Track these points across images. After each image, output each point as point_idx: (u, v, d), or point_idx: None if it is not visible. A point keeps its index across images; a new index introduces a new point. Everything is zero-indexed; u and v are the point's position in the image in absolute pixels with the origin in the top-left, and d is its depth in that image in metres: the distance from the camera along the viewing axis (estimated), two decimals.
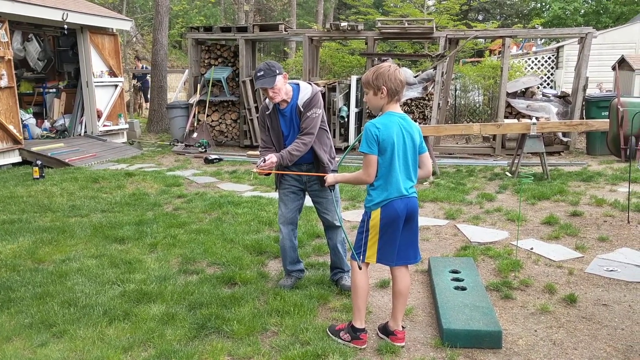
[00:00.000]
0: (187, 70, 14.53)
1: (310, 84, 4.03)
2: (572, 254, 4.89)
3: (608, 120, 8.86)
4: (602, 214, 6.10)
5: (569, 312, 3.74)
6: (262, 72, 3.81)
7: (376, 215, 3.16)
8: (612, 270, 4.45)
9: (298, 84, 4.00)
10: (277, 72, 3.81)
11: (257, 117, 3.78)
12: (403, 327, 3.38)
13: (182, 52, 28.10)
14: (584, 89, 10.81)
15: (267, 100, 4.00)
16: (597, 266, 4.56)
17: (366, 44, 11.73)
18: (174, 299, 3.93)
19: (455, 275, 4.08)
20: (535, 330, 3.49)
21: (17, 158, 9.83)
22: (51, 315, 3.65)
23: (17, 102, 9.83)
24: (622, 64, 11.34)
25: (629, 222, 5.75)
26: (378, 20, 12.01)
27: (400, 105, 10.97)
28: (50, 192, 7.51)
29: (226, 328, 3.46)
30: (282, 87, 3.86)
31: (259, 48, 30.64)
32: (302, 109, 3.89)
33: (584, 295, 4.01)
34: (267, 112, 4.02)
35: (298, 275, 4.29)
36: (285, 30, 11.92)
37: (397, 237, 3.20)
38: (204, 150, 11.27)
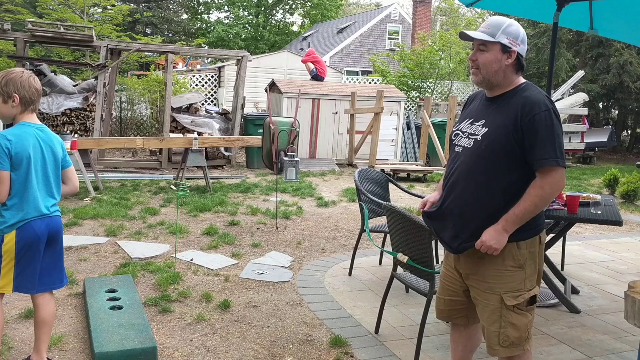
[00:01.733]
0: None
1: None
2: (228, 261, 5.18)
3: (261, 136, 9.80)
4: (256, 222, 6.66)
5: (223, 317, 3.94)
6: None
7: (11, 238, 2.79)
8: (262, 273, 4.87)
9: None
10: None
11: None
12: (49, 359, 3.06)
13: None
14: (242, 108, 11.73)
15: None
16: (250, 271, 4.94)
17: (15, 45, 10.50)
18: None
19: (112, 295, 3.90)
20: (191, 340, 3.56)
21: None
22: None
23: None
24: (273, 86, 12.67)
25: (277, 228, 6.41)
26: (28, 21, 10.87)
27: (59, 116, 10.20)
28: None
29: None
30: None
31: None
32: None
33: (237, 299, 4.28)
34: None
35: None
36: None
37: (38, 261, 2.88)
38: None
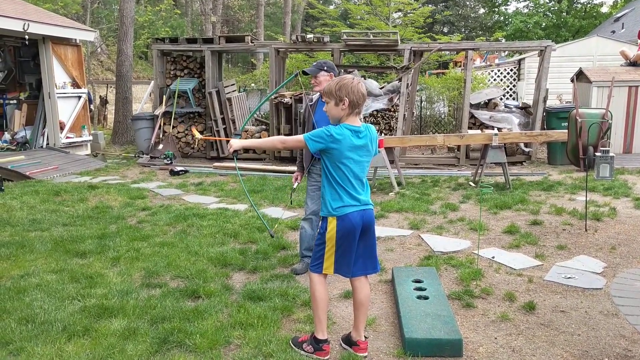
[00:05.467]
0: (152, 82, 14.41)
1: None
2: (532, 262, 4.99)
3: (567, 130, 9.15)
4: (561, 223, 6.25)
5: (528, 319, 3.82)
6: (314, 64, 4.52)
7: (332, 227, 3.17)
8: (569, 278, 4.57)
9: None
10: (325, 69, 4.49)
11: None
12: (365, 337, 3.40)
13: (148, 63, 27.85)
14: (544, 101, 11.10)
15: (314, 96, 4.67)
16: (556, 274, 4.67)
17: (332, 55, 11.83)
18: (135, 313, 3.88)
19: (418, 285, 4.13)
20: (496, 338, 3.55)
21: None
22: (8, 333, 3.56)
23: None
24: (580, 76, 11.68)
25: (586, 230, 5.91)
26: (343, 33, 12.13)
27: (367, 117, 11.12)
28: (10, 205, 7.33)
29: (188, 342, 3.43)
30: (324, 82, 4.41)
31: (227, 59, 30.58)
32: None
33: (542, 302, 4.10)
34: (310, 103, 4.66)
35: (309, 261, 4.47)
36: (252, 42, 11.95)
37: (353, 249, 3.21)
38: (169, 162, 11.17)
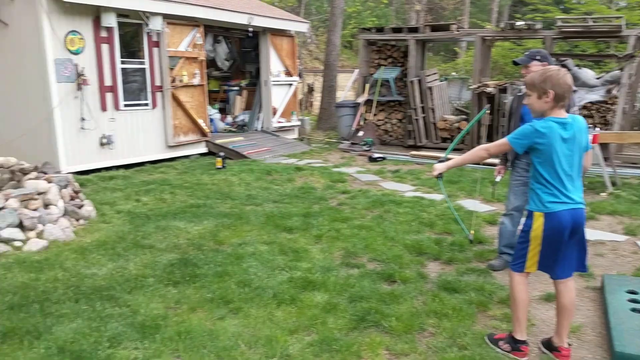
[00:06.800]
0: (356, 70, 14.93)
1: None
2: None
3: None
4: None
5: None
6: (526, 54, 4.37)
7: (539, 225, 3.03)
8: None
9: None
10: (538, 58, 4.27)
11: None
12: (569, 345, 3.22)
13: (352, 52, 28.84)
14: None
15: (522, 86, 4.46)
16: None
17: (543, 43, 11.11)
18: (336, 289, 4.13)
19: (633, 297, 3.77)
20: None
21: (203, 149, 10.90)
22: (229, 293, 4.05)
23: (206, 98, 10.90)
24: None
25: None
26: (558, 19, 11.29)
27: (580, 109, 10.25)
28: (230, 181, 8.23)
29: (384, 323, 3.57)
30: None
31: (429, 48, 30.38)
32: None
33: None
34: (518, 94, 4.52)
35: (508, 259, 4.41)
36: (457, 30, 11.74)
37: (560, 249, 3.04)
38: (368, 148, 11.53)
